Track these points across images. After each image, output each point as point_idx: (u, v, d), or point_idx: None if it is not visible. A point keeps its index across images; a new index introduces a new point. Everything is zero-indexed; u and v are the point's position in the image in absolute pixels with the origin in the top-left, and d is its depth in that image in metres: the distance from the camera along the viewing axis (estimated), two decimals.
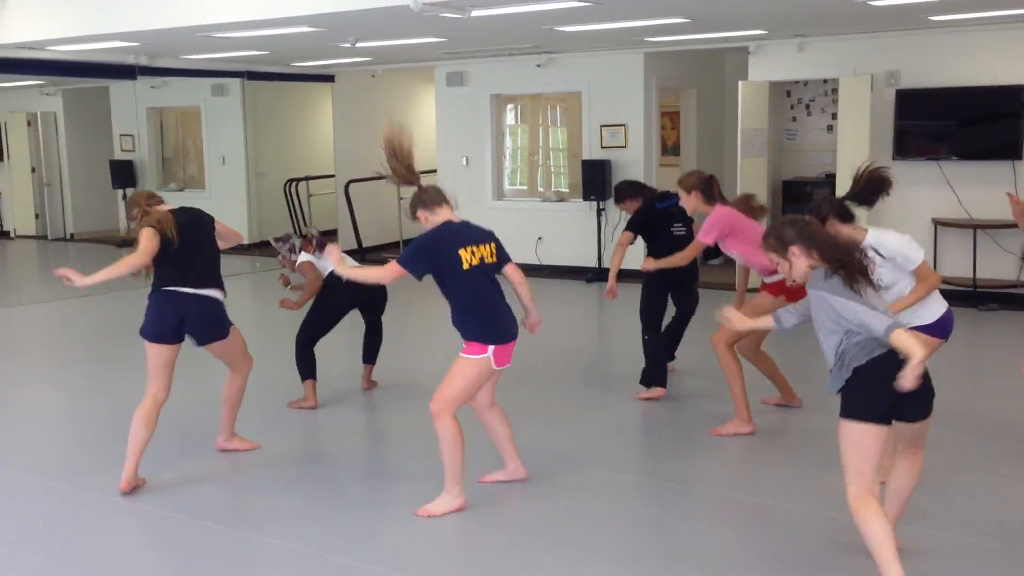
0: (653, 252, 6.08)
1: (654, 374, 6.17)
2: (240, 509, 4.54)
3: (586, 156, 11.13)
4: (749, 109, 9.94)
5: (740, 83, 10.03)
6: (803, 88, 11.64)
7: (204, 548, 4.07)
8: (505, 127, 12.46)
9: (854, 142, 9.06)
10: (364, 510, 4.46)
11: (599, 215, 11.01)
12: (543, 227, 11.40)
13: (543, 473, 4.75)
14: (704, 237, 5.45)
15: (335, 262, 4.67)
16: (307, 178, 13.99)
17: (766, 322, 3.82)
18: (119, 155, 15.00)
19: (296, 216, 13.73)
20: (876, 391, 3.27)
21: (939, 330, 4.32)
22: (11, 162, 16.04)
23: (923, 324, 4.25)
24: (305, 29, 8.08)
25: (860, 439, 3.27)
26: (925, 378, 3.26)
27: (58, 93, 15.43)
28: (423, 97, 14.43)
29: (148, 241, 4.52)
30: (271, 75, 12.39)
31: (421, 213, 4.39)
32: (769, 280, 5.40)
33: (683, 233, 6.22)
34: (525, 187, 13.07)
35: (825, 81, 11.14)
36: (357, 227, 13.12)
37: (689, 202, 5.63)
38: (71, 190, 15.87)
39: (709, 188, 5.56)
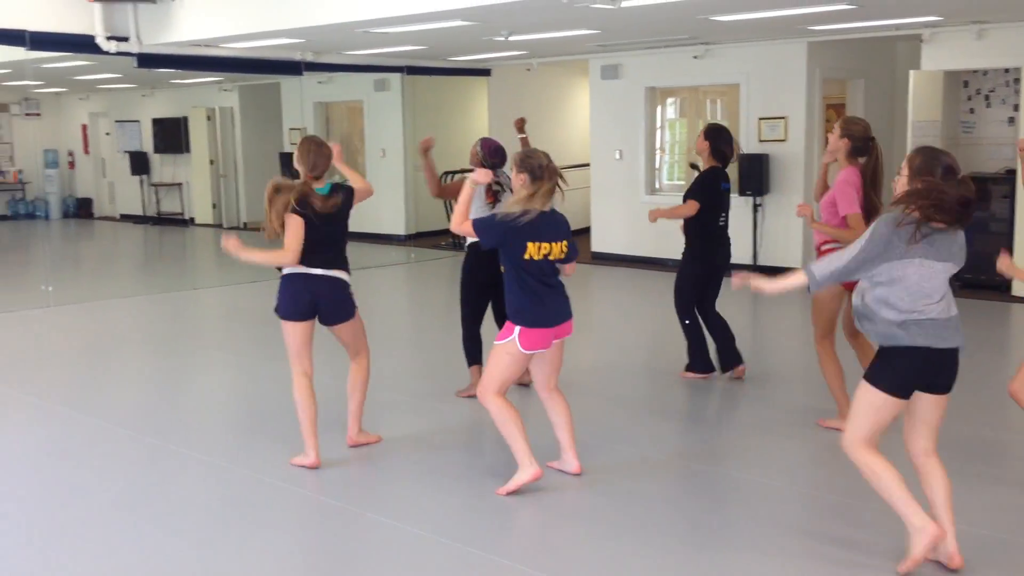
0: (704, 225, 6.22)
1: (700, 358, 6.38)
2: (370, 492, 4.63)
3: (743, 150, 10.78)
4: (921, 100, 9.37)
5: (911, 73, 9.48)
6: (982, 78, 10.86)
7: (336, 530, 4.17)
8: (664, 121, 12.26)
9: None
10: (490, 499, 4.48)
11: (755, 210, 10.66)
12: None
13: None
14: (851, 207, 5.01)
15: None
16: (463, 171, 14.20)
17: (799, 279, 3.59)
18: (288, 148, 15.67)
19: (451, 209, 13.97)
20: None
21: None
22: (193, 154, 17.07)
23: None
24: (459, 23, 8.18)
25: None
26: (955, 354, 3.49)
27: (235, 89, 16.28)
28: (577, 90, 14.39)
29: (295, 237, 4.60)
30: (430, 69, 12.64)
31: (522, 178, 4.34)
32: (825, 248, 5.08)
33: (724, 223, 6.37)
34: (682, 181, 12.82)
35: (1007, 71, 10.36)
36: None
37: (834, 143, 5.22)
38: (245, 181, 16.73)
39: (866, 147, 5.12)
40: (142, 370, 7.26)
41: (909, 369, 3.47)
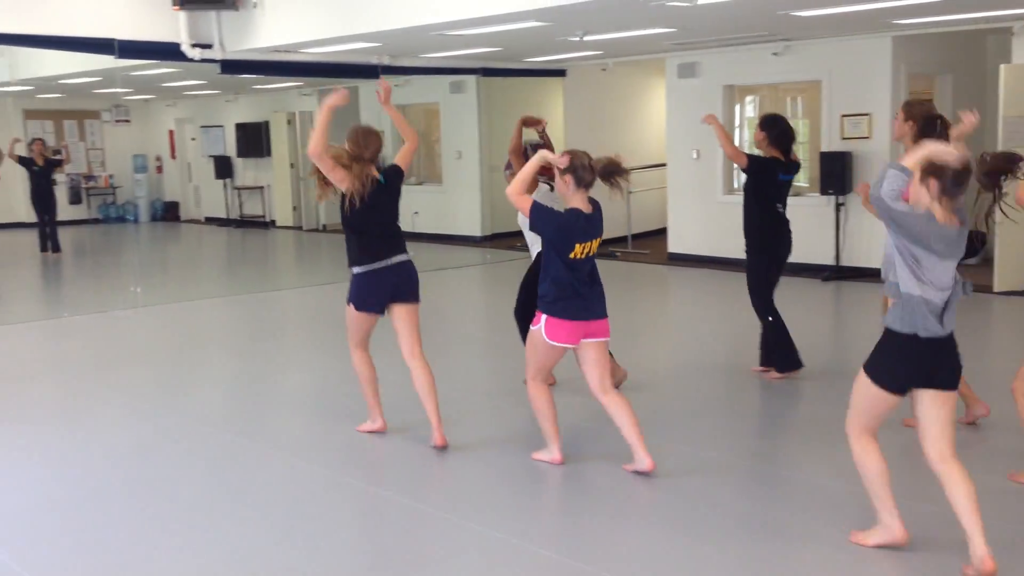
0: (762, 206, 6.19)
1: (787, 356, 6.26)
2: (446, 493, 4.65)
3: (825, 148, 10.56)
4: (1012, 95, 9.02)
5: (1002, 67, 9.13)
6: None
7: (410, 528, 4.20)
8: (742, 119, 12.07)
9: None
10: (569, 503, 4.46)
11: (838, 210, 10.41)
12: None
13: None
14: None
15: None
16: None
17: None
18: None
19: None
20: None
21: None
22: (274, 158, 17.44)
23: None
24: (533, 24, 8.18)
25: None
26: (953, 347, 3.54)
27: (314, 93, 16.57)
28: (654, 90, 14.26)
29: (335, 162, 4.82)
30: (505, 71, 12.66)
31: (567, 179, 4.43)
32: None
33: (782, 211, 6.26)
34: None
35: None
36: None
37: (899, 128, 5.07)
38: None
39: (932, 127, 4.87)
40: (225, 369, 7.44)
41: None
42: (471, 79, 13.76)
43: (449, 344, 7.73)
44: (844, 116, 10.41)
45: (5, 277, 12.28)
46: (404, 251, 5.10)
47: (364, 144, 4.91)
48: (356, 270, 5.02)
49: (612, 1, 7.19)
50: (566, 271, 4.45)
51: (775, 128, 6.17)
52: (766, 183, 6.18)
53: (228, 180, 18.57)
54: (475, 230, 14.64)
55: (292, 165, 17.18)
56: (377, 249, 4.98)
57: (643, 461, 4.59)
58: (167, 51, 9.50)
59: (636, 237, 13.32)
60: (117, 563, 3.90)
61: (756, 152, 6.37)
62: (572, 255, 4.43)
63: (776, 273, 6.36)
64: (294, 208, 17.39)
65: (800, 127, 12.55)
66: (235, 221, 18.40)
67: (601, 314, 4.57)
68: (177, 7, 9.15)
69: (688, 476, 4.66)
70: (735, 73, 11.34)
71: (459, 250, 13.85)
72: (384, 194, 5.01)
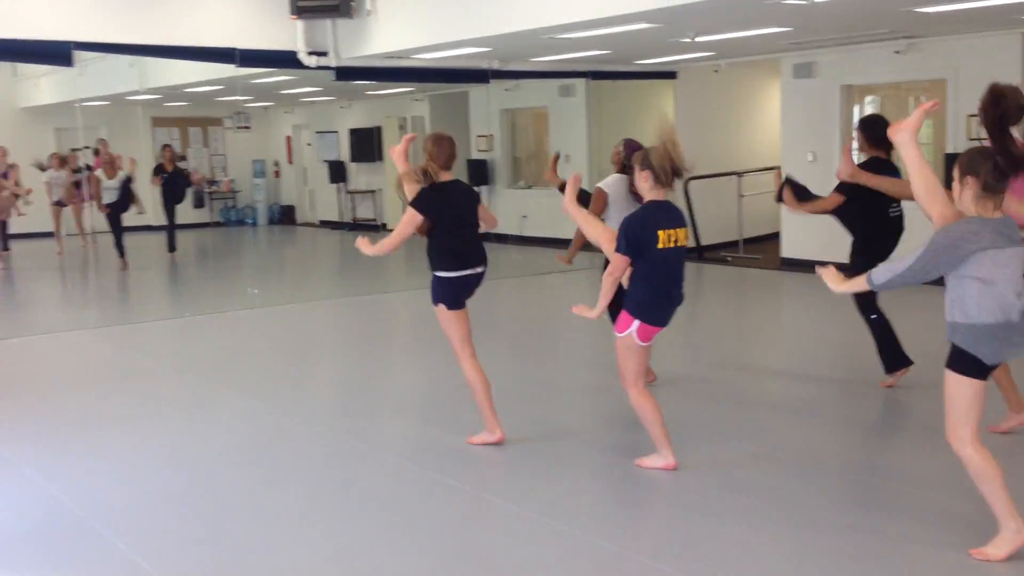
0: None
1: (893, 355, 6.08)
2: (553, 501, 4.61)
3: (950, 149, 10.10)
4: None
5: None
6: None
7: (519, 535, 4.18)
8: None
9: None
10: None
11: None
12: None
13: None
14: None
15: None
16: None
17: (861, 283, 3.70)
18: (475, 155, 16.04)
19: None
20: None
21: None
22: (386, 162, 17.76)
23: None
24: (644, 25, 8.08)
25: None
26: None
27: (425, 99, 16.81)
28: (768, 91, 13.93)
29: (408, 224, 4.98)
30: (615, 74, 12.57)
31: (645, 175, 4.49)
32: None
33: (897, 214, 6.08)
34: None
35: None
36: (696, 225, 12.95)
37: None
38: None
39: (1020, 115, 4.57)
40: (337, 370, 7.59)
41: None
42: (580, 82, 13.71)
43: (559, 348, 7.70)
44: (971, 116, 9.93)
45: (134, 279, 12.84)
46: (486, 263, 5.19)
47: (436, 152, 5.00)
48: (446, 274, 5.08)
49: (726, 1, 7.03)
50: (656, 270, 4.49)
51: (873, 128, 5.98)
52: (870, 190, 5.92)
53: (342, 184, 19.01)
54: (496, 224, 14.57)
55: None
56: (464, 257, 5.08)
57: (667, 458, 4.73)
58: (285, 59, 9.78)
59: (748, 242, 13.03)
60: (231, 556, 4.00)
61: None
62: (660, 245, 4.44)
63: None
64: (404, 211, 17.64)
65: (924, 129, 12.04)
66: (348, 224, 18.81)
67: (673, 313, 4.69)
68: (294, 16, 9.41)
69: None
70: (854, 72, 10.96)
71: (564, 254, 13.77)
72: (463, 200, 5.15)
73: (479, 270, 5.14)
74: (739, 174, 12.88)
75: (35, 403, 6.60)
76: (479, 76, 11.46)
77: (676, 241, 4.49)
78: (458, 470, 4.92)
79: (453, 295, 5.09)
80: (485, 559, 4.00)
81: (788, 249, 11.92)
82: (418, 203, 4.96)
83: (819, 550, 3.89)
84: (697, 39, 9.21)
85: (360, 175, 18.81)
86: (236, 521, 4.38)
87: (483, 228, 5.26)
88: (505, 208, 15.33)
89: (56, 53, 8.64)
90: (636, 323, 4.52)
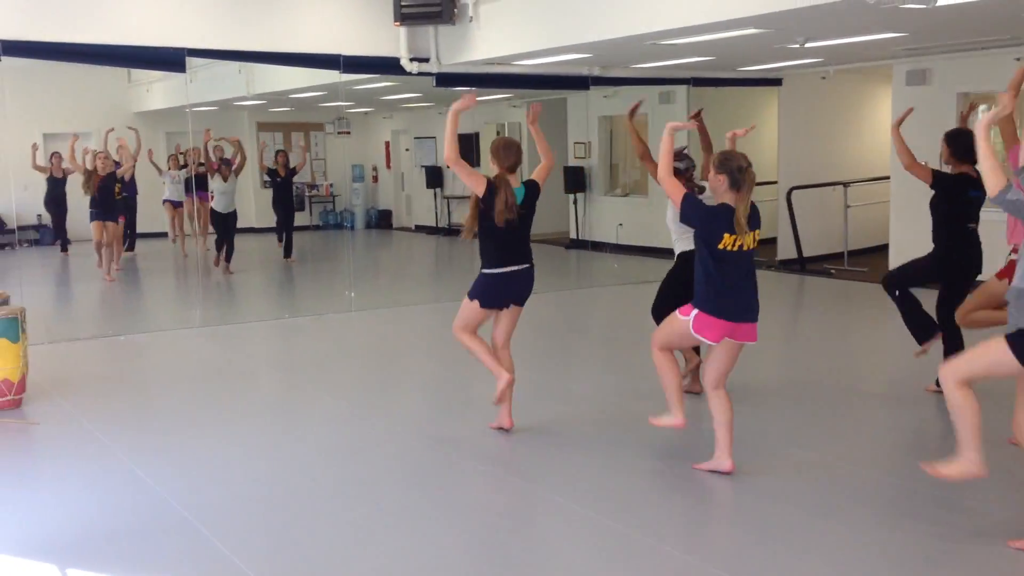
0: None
1: (921, 327, 6.14)
2: (647, 514, 4.49)
3: None
4: None
5: None
6: None
7: (609, 550, 4.08)
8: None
9: None
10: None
11: None
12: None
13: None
14: None
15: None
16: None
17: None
18: (572, 162, 15.95)
19: None
20: None
21: None
22: (482, 168, 17.72)
23: None
24: (752, 31, 7.88)
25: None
26: None
27: (523, 105, 16.80)
28: (878, 99, 13.47)
29: (473, 172, 5.29)
30: (717, 81, 12.32)
31: (722, 179, 4.48)
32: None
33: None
34: None
35: None
36: (798, 236, 12.60)
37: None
38: None
39: None
40: (431, 375, 7.59)
41: None
42: (681, 89, 13.49)
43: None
44: None
45: (236, 279, 13.17)
46: (529, 260, 5.45)
47: (504, 157, 5.30)
48: (486, 271, 5.38)
49: (839, 6, 6.79)
50: (715, 266, 4.50)
51: (957, 142, 5.92)
52: (954, 201, 5.94)
53: (438, 189, 19.15)
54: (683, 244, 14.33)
55: None
56: (508, 255, 5.34)
57: (724, 463, 4.76)
58: (387, 65, 9.88)
59: (853, 254, 12.60)
60: (323, 559, 4.01)
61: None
62: (721, 245, 4.47)
63: (959, 288, 6.05)
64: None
65: None
66: (443, 229, 18.94)
67: (751, 318, 4.62)
68: (398, 23, 9.50)
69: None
70: (971, 79, 10.49)
71: (663, 263, 13.55)
72: (521, 206, 5.33)
73: (524, 267, 5.38)
74: (845, 184, 12.48)
75: (141, 400, 6.79)
76: (578, 83, 11.37)
77: (743, 246, 4.50)
78: (552, 480, 4.83)
79: (491, 293, 5.36)
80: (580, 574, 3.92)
81: (896, 262, 11.45)
82: (490, 183, 5.28)
83: None
84: (806, 45, 8.94)
85: (457, 181, 18.90)
86: (329, 525, 4.38)
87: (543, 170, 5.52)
88: (601, 216, 15.20)
89: (170, 60, 8.91)
90: (695, 312, 4.58)
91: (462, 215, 18.68)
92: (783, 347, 8.39)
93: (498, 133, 17.34)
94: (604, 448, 5.36)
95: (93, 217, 12.72)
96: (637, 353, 7.59)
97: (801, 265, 12.45)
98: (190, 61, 9.22)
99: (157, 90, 16.34)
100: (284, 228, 14.90)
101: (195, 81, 13.67)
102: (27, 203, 16.46)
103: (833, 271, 12.17)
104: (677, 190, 4.56)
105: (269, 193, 15.25)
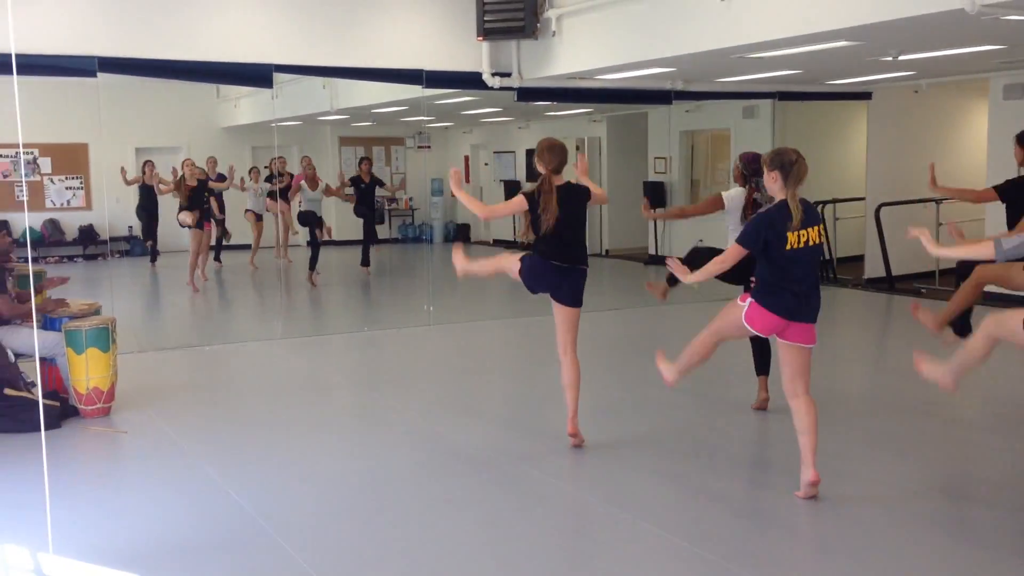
0: None
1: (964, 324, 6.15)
2: (725, 541, 4.35)
3: None
4: None
5: None
6: None
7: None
8: None
9: None
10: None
11: None
12: None
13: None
14: None
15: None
16: (833, 200, 13.39)
17: (986, 249, 4.09)
18: (652, 176, 15.79)
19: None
20: None
21: None
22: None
23: None
24: (843, 44, 7.66)
25: None
26: None
27: (603, 120, 16.71)
28: (973, 113, 13.03)
29: (507, 206, 5.72)
30: (804, 94, 12.05)
31: (774, 175, 4.55)
32: None
33: None
34: None
35: None
36: (887, 254, 12.22)
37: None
38: (609, 210, 17.07)
39: None
40: (508, 391, 7.53)
41: None
42: (766, 103, 13.23)
43: (730, 378, 7.38)
44: None
45: (319, 291, 13.33)
46: (582, 262, 5.52)
47: (549, 158, 5.42)
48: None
49: (936, 18, 6.55)
50: (783, 266, 4.53)
51: None
52: None
53: None
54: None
55: None
56: (559, 255, 5.44)
57: (807, 472, 4.66)
58: (469, 80, 9.91)
59: (945, 272, 12.16)
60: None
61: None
62: (788, 246, 4.50)
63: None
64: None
65: None
66: (521, 244, 18.90)
67: (807, 319, 4.61)
68: (481, 38, 9.51)
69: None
70: None
71: None
72: (569, 202, 5.43)
73: (571, 266, 5.46)
74: (937, 201, 12.07)
75: (224, 410, 6.88)
76: (660, 97, 11.24)
77: (808, 241, 4.53)
78: (634, 503, 4.72)
79: (534, 273, 5.49)
80: None
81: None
82: (529, 196, 5.47)
83: None
84: (900, 58, 8.67)
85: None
86: (410, 542, 4.35)
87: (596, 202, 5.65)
88: (680, 231, 14.98)
89: (258, 75, 9.08)
90: (749, 301, 4.62)
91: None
92: (871, 367, 8.11)
93: (577, 148, 17.27)
94: (683, 469, 5.22)
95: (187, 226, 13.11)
96: (714, 369, 7.43)
97: (890, 284, 12.07)
98: (276, 77, 9.38)
99: (244, 105, 16.73)
100: (365, 237, 15.00)
101: (281, 96, 13.93)
102: (119, 215, 17.00)
103: (924, 290, 11.77)
104: (737, 252, 4.64)
105: (349, 207, 15.38)
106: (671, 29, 8.18)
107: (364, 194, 14.91)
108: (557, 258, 5.43)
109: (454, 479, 5.23)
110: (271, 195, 14.96)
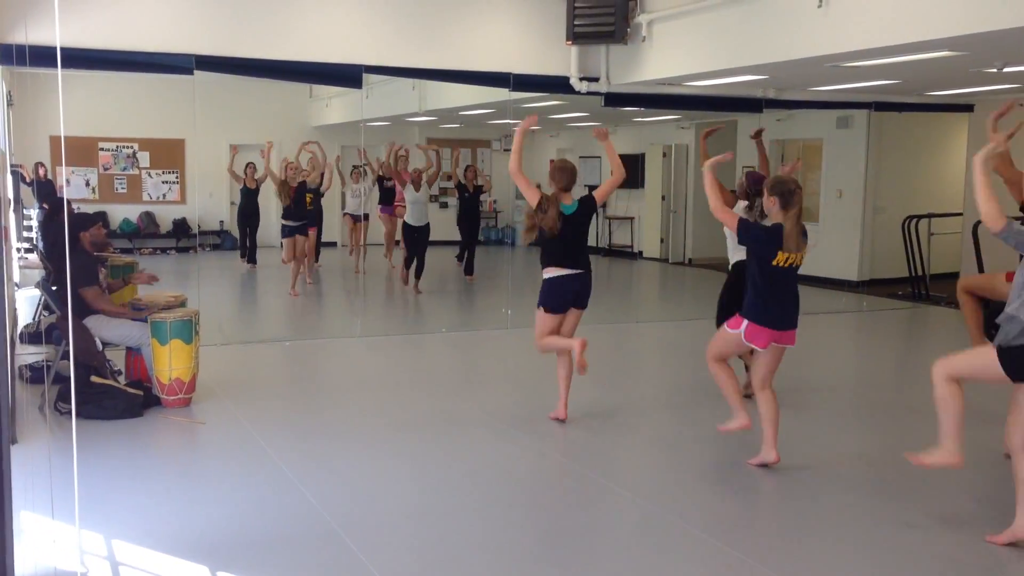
0: None
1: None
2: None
3: None
4: None
5: None
6: None
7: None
8: None
9: None
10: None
11: None
12: None
13: None
14: None
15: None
16: (929, 215, 12.94)
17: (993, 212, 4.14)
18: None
19: (912, 255, 12.77)
20: None
21: None
22: (646, 189, 17.59)
23: None
24: (945, 54, 7.37)
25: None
26: None
27: (691, 127, 16.48)
28: None
29: (532, 192, 6.10)
30: (901, 105, 11.66)
31: (774, 200, 5.05)
32: None
33: None
34: None
35: None
36: (983, 271, 11.73)
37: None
38: (693, 218, 16.84)
39: None
40: (583, 399, 7.44)
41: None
42: (861, 113, 12.87)
43: (810, 397, 7.15)
44: None
45: (398, 291, 13.43)
46: (584, 267, 6.09)
47: (559, 178, 6.08)
48: (546, 277, 6.09)
49: None
50: (766, 280, 5.07)
51: None
52: None
53: (600, 209, 18.99)
54: (851, 274, 13.67)
55: (663, 197, 17.22)
56: (561, 259, 6.06)
57: (770, 455, 5.30)
58: (556, 84, 9.85)
59: None
60: None
61: None
62: (775, 262, 5.03)
63: None
64: (661, 240, 17.40)
65: None
66: (603, 250, 18.79)
67: (794, 324, 5.21)
68: (570, 42, 9.45)
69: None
70: None
71: (832, 294, 12.98)
72: (572, 219, 6.05)
73: (578, 271, 6.05)
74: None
75: (300, 406, 6.96)
76: (751, 105, 11.01)
77: (791, 262, 5.06)
78: (690, 510, 4.60)
79: (553, 297, 6.08)
80: None
81: None
82: (542, 196, 6.08)
83: None
84: (1004, 69, 8.30)
85: (619, 201, 18.74)
86: (474, 549, 4.32)
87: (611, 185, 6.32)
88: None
89: (349, 76, 9.20)
90: (745, 323, 5.13)
91: (622, 236, 18.60)
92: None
93: (664, 155, 17.08)
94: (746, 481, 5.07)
95: (285, 233, 12.51)
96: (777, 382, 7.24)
97: (985, 301, 11.58)
98: (367, 77, 9.49)
99: (335, 105, 17.01)
100: (467, 247, 14.59)
101: (371, 97, 14.12)
102: (210, 210, 17.46)
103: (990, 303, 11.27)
104: (732, 219, 5.18)
105: (442, 208, 15.25)
106: (764, 36, 7.98)
107: (468, 203, 14.56)
108: (567, 263, 6.07)
109: (520, 490, 5.18)
110: (384, 199, 14.43)
